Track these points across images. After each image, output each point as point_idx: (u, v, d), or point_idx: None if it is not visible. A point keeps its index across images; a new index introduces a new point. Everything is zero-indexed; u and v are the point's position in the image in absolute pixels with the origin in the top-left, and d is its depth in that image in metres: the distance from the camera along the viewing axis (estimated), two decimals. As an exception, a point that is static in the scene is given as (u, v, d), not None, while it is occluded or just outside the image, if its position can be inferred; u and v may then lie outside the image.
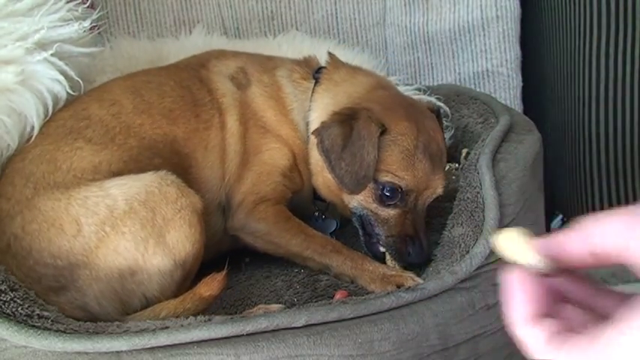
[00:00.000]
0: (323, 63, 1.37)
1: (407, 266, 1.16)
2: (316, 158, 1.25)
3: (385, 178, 1.16)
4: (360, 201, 1.20)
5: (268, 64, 1.35)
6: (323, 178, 1.26)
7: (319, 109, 1.28)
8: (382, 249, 1.20)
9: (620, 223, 0.44)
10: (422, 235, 1.17)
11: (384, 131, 1.16)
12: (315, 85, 1.31)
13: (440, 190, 1.21)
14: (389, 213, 1.18)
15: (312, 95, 1.30)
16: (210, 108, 1.27)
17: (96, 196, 1.02)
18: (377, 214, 1.19)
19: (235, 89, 1.30)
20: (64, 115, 1.19)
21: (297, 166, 1.29)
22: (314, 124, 1.26)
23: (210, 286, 1.01)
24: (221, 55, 1.38)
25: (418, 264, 1.15)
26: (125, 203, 1.02)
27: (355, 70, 1.37)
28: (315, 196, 1.33)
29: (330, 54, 1.37)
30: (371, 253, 1.21)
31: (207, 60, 1.35)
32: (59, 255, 1.00)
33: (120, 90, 1.24)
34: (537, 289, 0.46)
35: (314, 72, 1.33)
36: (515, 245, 0.47)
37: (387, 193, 1.16)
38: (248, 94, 1.30)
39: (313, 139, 1.22)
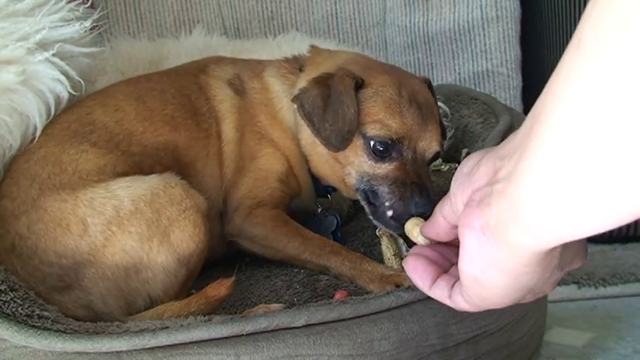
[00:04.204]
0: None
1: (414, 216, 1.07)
2: (305, 137, 1.23)
3: (374, 130, 1.13)
4: (356, 167, 1.17)
5: (258, 67, 1.35)
6: (317, 155, 1.23)
7: None
8: (389, 213, 1.12)
9: (447, 200, 0.64)
10: (427, 183, 1.11)
11: (364, 85, 1.15)
12: (301, 75, 1.30)
13: (435, 145, 1.15)
14: (387, 168, 1.14)
15: (299, 85, 1.28)
16: (208, 117, 1.27)
17: (102, 197, 1.03)
18: (375, 173, 1.15)
19: (234, 94, 1.30)
20: (69, 119, 1.19)
21: (293, 170, 1.28)
22: None
23: (217, 290, 1.02)
24: (219, 60, 1.39)
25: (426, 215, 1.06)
26: (131, 204, 1.03)
27: (336, 51, 1.38)
28: (317, 194, 1.33)
29: (311, 46, 1.37)
30: (381, 223, 1.15)
31: (205, 65, 1.36)
32: (64, 254, 1.01)
33: (123, 96, 1.24)
34: (427, 266, 0.70)
35: (300, 66, 1.32)
36: (413, 232, 0.71)
37: (380, 147, 1.13)
38: (245, 100, 1.30)
39: (302, 124, 1.21)
